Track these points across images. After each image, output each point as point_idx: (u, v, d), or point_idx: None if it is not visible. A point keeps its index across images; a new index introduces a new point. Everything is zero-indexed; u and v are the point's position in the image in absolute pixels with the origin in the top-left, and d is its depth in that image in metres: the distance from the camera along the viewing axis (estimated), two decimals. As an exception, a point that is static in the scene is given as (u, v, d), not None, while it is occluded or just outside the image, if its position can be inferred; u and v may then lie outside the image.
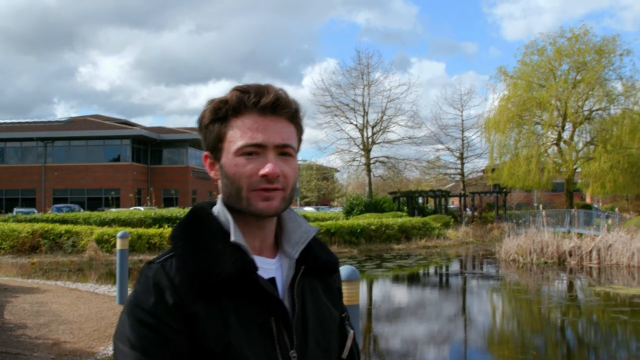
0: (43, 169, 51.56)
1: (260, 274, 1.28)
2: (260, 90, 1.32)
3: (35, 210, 40.26)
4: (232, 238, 1.28)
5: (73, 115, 66.03)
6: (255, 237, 1.36)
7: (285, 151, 1.34)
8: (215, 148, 1.35)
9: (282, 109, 1.34)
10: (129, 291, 10.32)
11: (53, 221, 26.40)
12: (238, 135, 1.31)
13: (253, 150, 1.30)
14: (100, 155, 52.10)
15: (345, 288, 4.51)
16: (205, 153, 1.40)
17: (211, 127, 1.34)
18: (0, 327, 8.43)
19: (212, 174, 1.39)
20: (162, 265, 1.26)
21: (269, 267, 1.36)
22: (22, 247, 22.81)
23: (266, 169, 1.29)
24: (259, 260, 1.31)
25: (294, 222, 1.43)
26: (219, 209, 1.37)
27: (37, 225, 23.90)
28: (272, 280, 1.35)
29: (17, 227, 23.54)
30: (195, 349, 1.21)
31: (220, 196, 1.38)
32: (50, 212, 36.79)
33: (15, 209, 40.48)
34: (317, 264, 1.44)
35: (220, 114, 1.33)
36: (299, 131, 1.43)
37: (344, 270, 4.62)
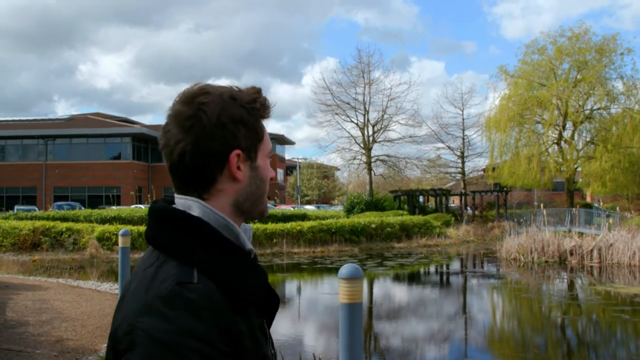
0: (44, 167, 51.57)
1: None
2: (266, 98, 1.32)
3: (36, 208, 40.25)
4: (248, 246, 1.25)
5: (73, 113, 65.97)
6: None
7: None
8: (253, 147, 1.27)
9: None
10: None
11: (54, 219, 26.43)
12: (267, 137, 1.32)
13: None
14: (101, 153, 52.13)
15: (348, 286, 4.50)
16: (237, 151, 1.24)
17: (258, 125, 1.28)
18: (3, 325, 8.45)
19: (238, 174, 1.25)
20: (204, 286, 1.12)
21: None
22: (23, 245, 22.84)
23: (272, 172, 1.33)
24: None
25: None
26: (204, 212, 1.22)
27: (38, 223, 23.93)
28: None
29: (18, 225, 23.58)
30: None
31: (197, 200, 1.24)
32: (51, 209, 36.82)
33: (16, 207, 40.51)
34: None
35: (266, 114, 1.30)
36: None
37: (347, 268, 4.55)
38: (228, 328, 1.10)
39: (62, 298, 11.17)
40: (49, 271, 17.62)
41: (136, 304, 1.11)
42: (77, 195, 50.50)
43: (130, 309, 1.11)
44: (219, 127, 1.21)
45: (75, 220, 26.43)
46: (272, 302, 1.31)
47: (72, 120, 56.40)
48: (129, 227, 21.41)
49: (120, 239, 11.09)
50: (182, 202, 1.24)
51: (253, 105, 1.26)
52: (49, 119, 58.15)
